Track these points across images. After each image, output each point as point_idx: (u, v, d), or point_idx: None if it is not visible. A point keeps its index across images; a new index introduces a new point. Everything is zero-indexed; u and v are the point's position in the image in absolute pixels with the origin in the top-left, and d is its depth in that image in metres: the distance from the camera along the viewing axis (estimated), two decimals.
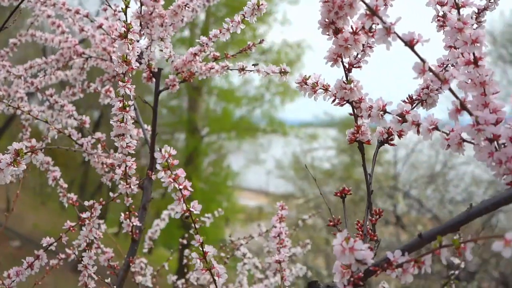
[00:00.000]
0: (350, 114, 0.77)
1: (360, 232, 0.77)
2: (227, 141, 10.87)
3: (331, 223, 0.74)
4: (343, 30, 0.71)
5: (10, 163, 0.81)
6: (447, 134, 0.67)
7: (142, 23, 1.15)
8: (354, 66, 0.76)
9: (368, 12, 0.62)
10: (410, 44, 0.61)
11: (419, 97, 0.83)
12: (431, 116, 0.69)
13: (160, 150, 0.74)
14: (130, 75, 0.93)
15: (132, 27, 0.87)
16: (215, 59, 1.19)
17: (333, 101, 0.78)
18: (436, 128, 0.69)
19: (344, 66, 0.75)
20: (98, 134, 1.25)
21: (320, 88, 0.79)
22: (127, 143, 1.00)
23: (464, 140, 0.66)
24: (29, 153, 0.84)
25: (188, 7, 1.12)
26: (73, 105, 1.36)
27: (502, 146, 0.64)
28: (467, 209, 0.61)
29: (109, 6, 1.20)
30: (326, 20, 0.71)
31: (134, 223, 1.15)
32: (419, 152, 7.42)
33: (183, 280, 1.63)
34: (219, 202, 9.59)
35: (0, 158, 0.80)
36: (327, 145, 9.83)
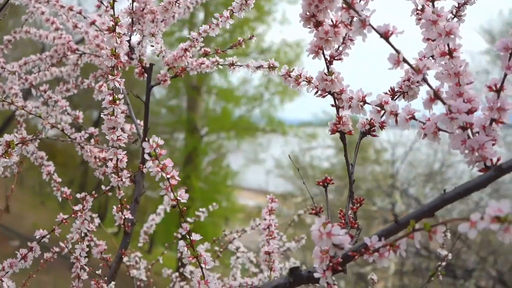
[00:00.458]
0: (332, 105, 0.79)
1: (343, 221, 0.79)
2: (227, 141, 10.89)
3: (313, 212, 0.76)
4: (324, 23, 0.73)
5: (1, 154, 0.83)
6: (424, 124, 0.70)
7: (134, 19, 1.17)
8: (335, 58, 0.78)
9: (344, 5, 0.64)
10: (385, 35, 0.63)
11: (400, 89, 0.85)
12: (408, 106, 0.71)
13: (148, 141, 0.76)
14: (120, 69, 0.96)
15: (120, 21, 0.89)
16: (206, 54, 1.21)
17: (316, 92, 0.80)
18: (413, 118, 0.71)
19: (325, 58, 0.77)
20: (91, 129, 1.27)
21: (303, 80, 0.81)
22: (117, 136, 1.02)
23: (439, 129, 0.68)
24: (20, 144, 0.86)
25: (179, 4, 1.14)
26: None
27: (477, 134, 0.66)
28: (441, 194, 0.63)
29: (102, 3, 1.22)
30: (307, 13, 0.73)
31: (126, 216, 1.18)
32: (417, 150, 7.44)
33: (177, 274, 1.66)
34: (218, 201, 9.61)
35: None
36: (326, 144, 9.85)
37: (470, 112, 0.66)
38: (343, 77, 0.77)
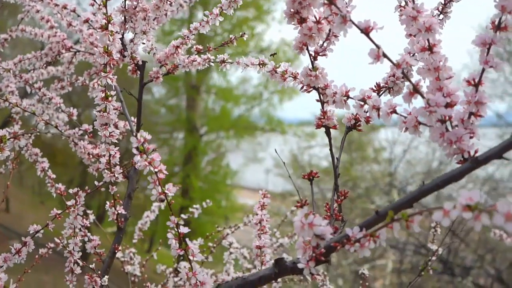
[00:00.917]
0: (317, 100, 0.81)
1: (328, 213, 0.81)
2: (226, 140, 10.92)
3: (299, 204, 0.78)
4: (308, 19, 0.75)
5: None
6: (405, 118, 0.71)
7: (127, 17, 1.18)
8: (320, 54, 0.79)
9: (326, 1, 0.65)
10: (365, 31, 0.65)
11: (386, 85, 0.87)
12: (390, 101, 0.73)
13: (136, 136, 0.78)
14: (114, 66, 0.97)
15: (113, 19, 0.90)
16: (198, 52, 1.23)
17: (301, 88, 0.81)
18: (395, 112, 0.72)
19: (310, 54, 0.78)
20: (85, 126, 1.29)
21: (289, 76, 0.83)
22: (110, 132, 1.04)
23: (420, 123, 0.70)
24: (12, 139, 0.87)
25: (170, 2, 1.16)
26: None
27: (456, 127, 0.68)
28: (420, 185, 0.65)
29: (95, 1, 1.23)
30: (291, 10, 0.74)
31: (119, 211, 1.19)
32: (415, 149, 7.46)
33: (170, 269, 1.67)
34: (218, 200, 9.64)
35: None
36: (325, 143, 9.85)
37: (449, 105, 0.67)
38: (327, 73, 0.78)
